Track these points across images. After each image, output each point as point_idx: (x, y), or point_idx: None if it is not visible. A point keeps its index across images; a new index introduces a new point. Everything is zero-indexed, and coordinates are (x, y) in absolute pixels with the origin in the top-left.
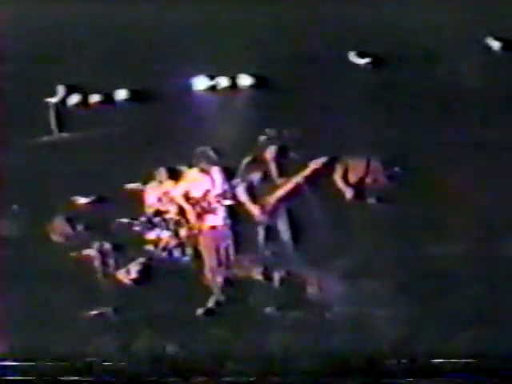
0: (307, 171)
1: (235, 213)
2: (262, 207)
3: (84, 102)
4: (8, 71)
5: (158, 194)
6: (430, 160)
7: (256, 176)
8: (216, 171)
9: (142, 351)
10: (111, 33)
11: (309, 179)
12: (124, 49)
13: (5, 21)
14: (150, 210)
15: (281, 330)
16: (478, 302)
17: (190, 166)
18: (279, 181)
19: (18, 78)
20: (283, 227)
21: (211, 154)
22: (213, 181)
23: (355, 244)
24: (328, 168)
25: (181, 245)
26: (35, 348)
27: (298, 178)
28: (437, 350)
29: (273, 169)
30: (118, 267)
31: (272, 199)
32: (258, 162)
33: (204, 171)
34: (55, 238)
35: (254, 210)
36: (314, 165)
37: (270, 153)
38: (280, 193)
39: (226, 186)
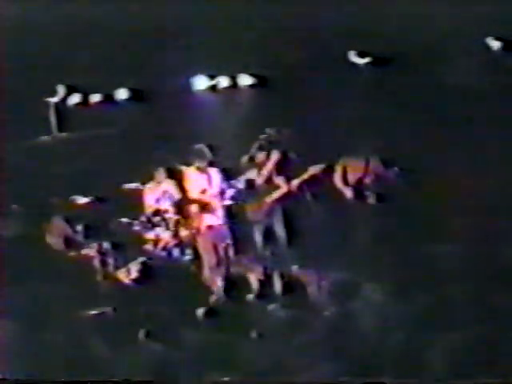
0: (306, 175)
1: (234, 212)
2: (259, 207)
3: (84, 101)
4: (8, 71)
5: (157, 193)
6: (430, 160)
7: (254, 175)
8: (215, 171)
9: (142, 351)
10: (111, 33)
11: (307, 183)
12: (124, 49)
13: (5, 21)
14: (149, 210)
15: (279, 330)
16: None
17: (190, 166)
18: (277, 180)
19: (18, 77)
20: (280, 227)
21: (210, 153)
22: (212, 180)
23: (354, 243)
24: (326, 172)
25: (180, 244)
26: (35, 348)
27: (296, 181)
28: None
29: (272, 169)
30: (117, 267)
31: (269, 200)
32: (257, 162)
33: (203, 170)
34: (54, 237)
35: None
36: (313, 170)
37: (272, 156)
38: (277, 194)
39: (225, 186)
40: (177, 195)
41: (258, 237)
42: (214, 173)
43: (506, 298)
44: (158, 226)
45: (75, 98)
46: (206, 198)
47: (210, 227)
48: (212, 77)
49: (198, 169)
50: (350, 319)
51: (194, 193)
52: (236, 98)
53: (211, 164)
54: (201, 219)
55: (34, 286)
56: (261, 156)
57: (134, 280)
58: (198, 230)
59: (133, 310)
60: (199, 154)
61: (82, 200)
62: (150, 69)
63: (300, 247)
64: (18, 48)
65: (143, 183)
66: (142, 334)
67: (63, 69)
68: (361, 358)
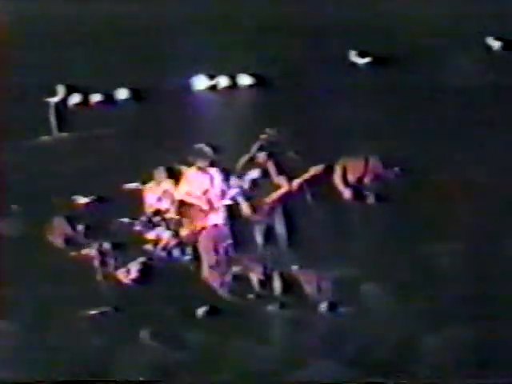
0: (307, 175)
1: (234, 212)
2: (260, 207)
3: (84, 101)
4: (8, 71)
5: (157, 193)
6: (430, 160)
7: (254, 175)
8: (216, 171)
9: (142, 351)
10: (111, 32)
11: (308, 183)
12: (124, 49)
13: (5, 21)
14: (149, 210)
15: (280, 330)
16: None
17: (190, 166)
18: (277, 180)
19: (18, 78)
20: (281, 227)
21: (210, 152)
22: (213, 180)
23: (354, 243)
24: (326, 172)
25: (181, 244)
26: (35, 348)
27: (297, 181)
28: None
29: (271, 169)
30: (117, 267)
31: (269, 199)
32: (256, 162)
33: (203, 170)
34: (55, 237)
35: (248, 210)
36: (314, 170)
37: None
38: (278, 194)
39: (225, 186)
40: (177, 195)
41: (258, 237)
42: (215, 173)
43: (506, 297)
44: (159, 225)
45: (75, 98)
46: (206, 197)
47: (210, 227)
48: (212, 77)
49: (199, 169)
50: (349, 319)
51: (194, 193)
52: (236, 97)
53: (211, 164)
54: (201, 219)
55: (34, 286)
56: (261, 156)
57: (134, 280)
58: (199, 230)
59: (133, 310)
60: (199, 154)
61: (82, 200)
62: (150, 69)
63: (300, 247)
64: (18, 48)
65: (143, 183)
66: (142, 334)
67: (63, 69)
68: (360, 357)
